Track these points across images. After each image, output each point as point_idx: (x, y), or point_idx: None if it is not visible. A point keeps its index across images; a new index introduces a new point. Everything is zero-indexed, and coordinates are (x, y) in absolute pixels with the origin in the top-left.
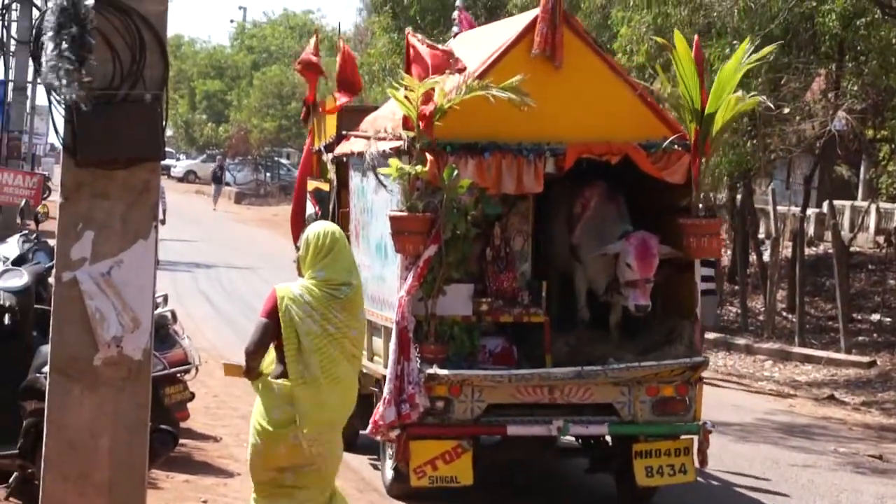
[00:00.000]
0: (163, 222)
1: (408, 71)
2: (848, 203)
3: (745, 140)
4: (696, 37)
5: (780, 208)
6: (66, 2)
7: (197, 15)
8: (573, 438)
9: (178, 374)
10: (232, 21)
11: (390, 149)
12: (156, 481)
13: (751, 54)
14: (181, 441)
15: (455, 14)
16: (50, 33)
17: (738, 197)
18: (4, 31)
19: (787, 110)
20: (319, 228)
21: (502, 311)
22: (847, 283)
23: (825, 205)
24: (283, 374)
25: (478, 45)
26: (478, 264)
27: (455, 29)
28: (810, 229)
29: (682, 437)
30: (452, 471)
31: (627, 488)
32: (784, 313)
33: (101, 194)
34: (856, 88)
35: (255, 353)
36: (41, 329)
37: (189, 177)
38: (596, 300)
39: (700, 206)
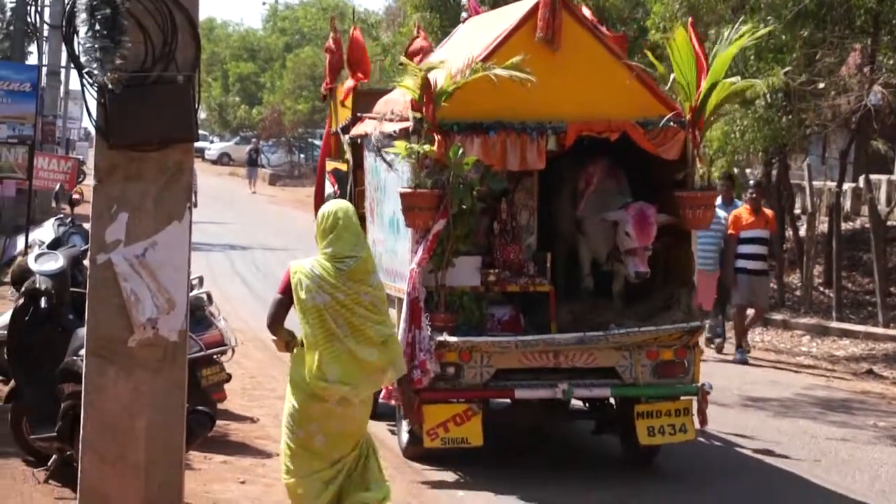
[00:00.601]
0: (195, 205)
1: (408, 55)
2: (884, 177)
3: (780, 116)
4: (689, 20)
5: (815, 183)
6: None
7: None
8: (581, 403)
9: (215, 356)
10: (264, 3)
11: (400, 129)
12: (193, 462)
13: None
14: (218, 422)
15: (464, 0)
16: (83, 16)
17: (774, 173)
18: (37, 15)
19: (822, 85)
20: (325, 209)
21: (509, 281)
22: (884, 258)
23: (861, 179)
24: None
25: (484, 29)
26: (486, 237)
27: (464, 14)
28: (846, 204)
29: (682, 398)
30: (463, 432)
31: (631, 448)
32: (821, 288)
33: (134, 176)
34: (891, 62)
35: (271, 326)
36: (77, 312)
37: (223, 159)
38: (600, 270)
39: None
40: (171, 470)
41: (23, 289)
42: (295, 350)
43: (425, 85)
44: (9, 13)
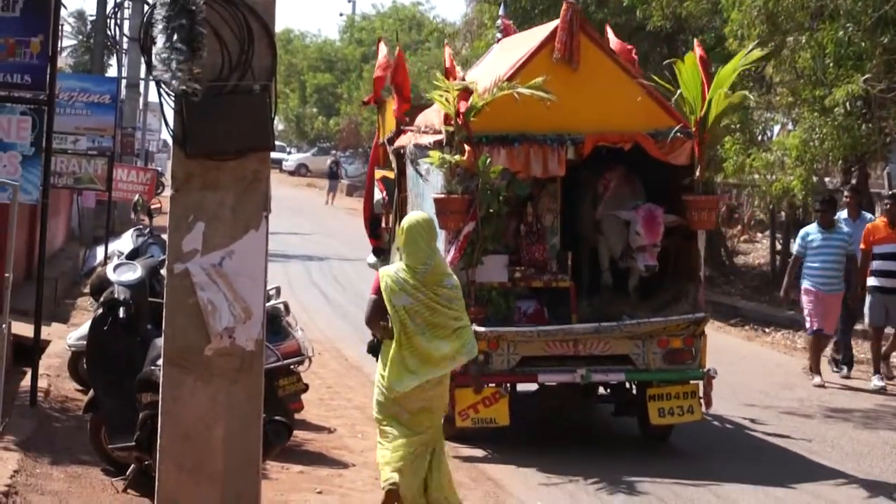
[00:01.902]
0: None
1: (446, 76)
2: None
3: (860, 124)
4: (696, 40)
5: None
6: None
7: (306, 9)
8: (602, 388)
9: (292, 366)
10: (341, 14)
11: (434, 141)
12: (270, 472)
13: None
14: (295, 432)
15: (498, 22)
16: (160, 26)
17: (853, 181)
18: (117, 28)
19: None
20: (403, 223)
21: (534, 277)
22: None
23: None
24: None
25: (511, 50)
26: (513, 238)
27: (498, 35)
28: None
29: (690, 382)
30: (491, 413)
31: (647, 428)
32: None
33: (211, 185)
34: None
35: (369, 321)
36: (156, 322)
37: (300, 170)
38: (618, 268)
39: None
40: (248, 479)
41: (102, 299)
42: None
43: (457, 102)
44: (89, 26)
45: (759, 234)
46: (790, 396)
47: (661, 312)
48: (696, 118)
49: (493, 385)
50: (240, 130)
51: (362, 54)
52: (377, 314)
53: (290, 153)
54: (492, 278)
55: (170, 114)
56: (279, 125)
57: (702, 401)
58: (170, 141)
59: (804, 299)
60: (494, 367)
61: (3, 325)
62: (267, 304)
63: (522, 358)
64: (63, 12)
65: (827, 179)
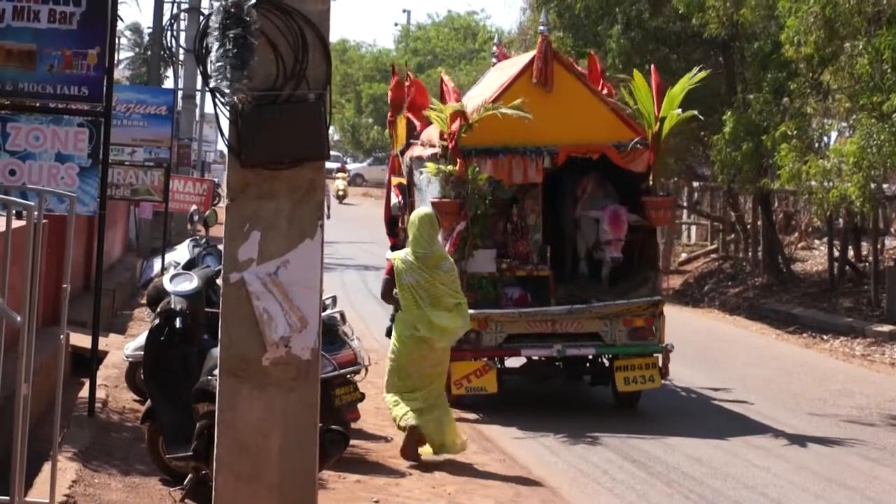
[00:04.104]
0: (327, 217)
1: (441, 99)
2: None
3: None
4: (652, 66)
5: None
6: (229, 4)
7: (362, 19)
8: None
9: (348, 375)
10: (396, 24)
11: (432, 154)
12: (327, 482)
13: None
14: (352, 442)
15: (494, 49)
16: (214, 36)
17: None
18: (173, 40)
19: None
20: (411, 216)
21: (518, 268)
22: None
23: None
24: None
25: (499, 74)
26: (501, 234)
27: (494, 60)
28: None
29: (652, 355)
30: (482, 383)
31: (617, 395)
32: None
33: (266, 194)
34: None
35: (384, 296)
36: (212, 332)
37: (356, 180)
38: (593, 258)
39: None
40: (305, 489)
41: (158, 310)
42: (398, 312)
43: (452, 119)
44: (145, 38)
45: (817, 241)
46: (849, 404)
47: (625, 296)
48: (652, 132)
49: (484, 359)
50: (294, 140)
51: (417, 64)
52: (389, 289)
53: (345, 163)
54: (482, 269)
55: (225, 124)
56: (334, 135)
57: (661, 371)
58: (225, 151)
59: None
60: (484, 344)
61: (62, 336)
62: (323, 314)
63: (508, 336)
64: (119, 25)
65: (885, 186)
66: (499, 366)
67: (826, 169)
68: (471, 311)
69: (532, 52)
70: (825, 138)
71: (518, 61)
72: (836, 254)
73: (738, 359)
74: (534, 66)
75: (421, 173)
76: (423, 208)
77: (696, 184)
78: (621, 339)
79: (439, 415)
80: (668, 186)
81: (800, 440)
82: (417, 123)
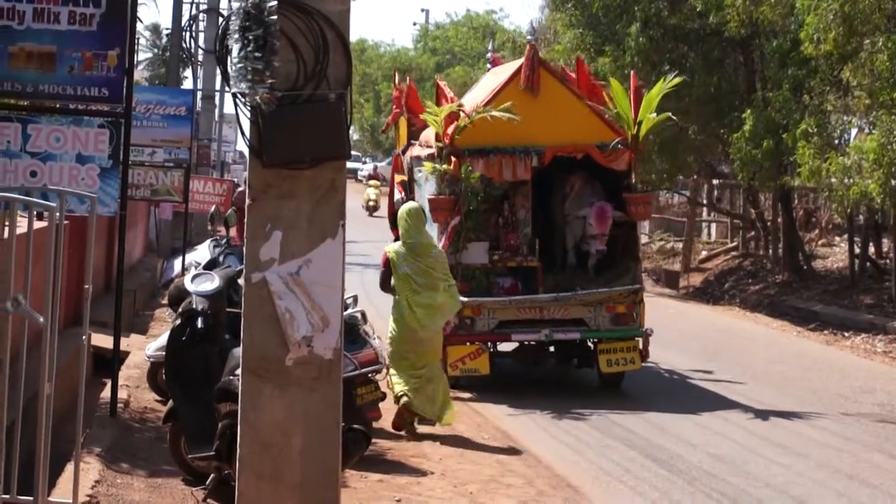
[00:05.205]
0: None
1: (437, 102)
2: None
3: None
4: (632, 73)
5: None
6: (249, 5)
7: (380, 19)
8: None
9: (370, 374)
10: (415, 24)
11: (428, 154)
12: (349, 481)
13: None
14: (374, 441)
15: (489, 55)
16: (234, 37)
17: None
18: (192, 41)
19: None
20: (400, 210)
21: (509, 259)
22: None
23: None
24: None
25: (491, 79)
26: (493, 228)
27: (489, 66)
28: None
29: (633, 339)
30: (476, 365)
31: (601, 377)
32: None
33: (287, 194)
34: None
35: (382, 286)
36: (234, 332)
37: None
38: (581, 251)
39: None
40: (328, 488)
41: (180, 310)
42: (395, 297)
43: (448, 122)
44: (164, 39)
45: (837, 238)
46: (871, 401)
47: (608, 285)
48: (631, 133)
49: (477, 343)
50: (315, 140)
51: (436, 63)
52: (387, 279)
53: (364, 162)
54: (475, 260)
55: (246, 124)
56: (354, 134)
57: (641, 353)
58: (246, 151)
59: None
60: (478, 329)
61: (83, 337)
62: (344, 313)
63: (500, 322)
64: (139, 26)
65: None
66: (491, 349)
67: (846, 166)
68: (465, 299)
69: (520, 60)
70: (845, 135)
71: (508, 68)
72: (857, 250)
73: (759, 356)
74: (522, 73)
75: (419, 172)
76: (409, 203)
77: (716, 181)
78: (604, 324)
79: (433, 389)
80: (652, 183)
81: (821, 437)
82: (409, 126)
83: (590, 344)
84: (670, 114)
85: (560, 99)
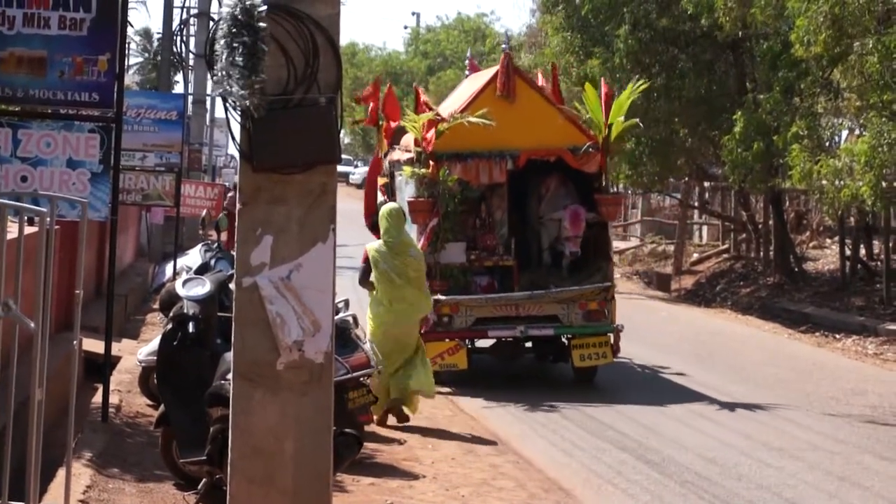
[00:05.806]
0: None
1: (416, 110)
2: None
3: None
4: (602, 79)
5: None
6: (238, 11)
7: (371, 23)
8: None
9: (361, 378)
10: (406, 27)
11: (407, 158)
12: (341, 485)
13: None
14: (365, 444)
15: (466, 61)
16: (225, 40)
17: None
18: (183, 45)
19: None
20: (381, 210)
21: (486, 258)
22: None
23: None
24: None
25: (468, 86)
26: (470, 229)
27: (467, 72)
28: None
29: (605, 335)
30: (454, 360)
31: (575, 371)
32: None
33: (278, 199)
34: None
35: (361, 282)
36: (225, 337)
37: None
38: (556, 250)
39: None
40: (319, 492)
41: (171, 314)
42: (373, 292)
43: (427, 128)
44: (155, 43)
45: (828, 240)
46: (862, 402)
47: (581, 283)
48: (602, 137)
49: (456, 339)
50: (306, 144)
51: (428, 66)
52: (366, 276)
53: (356, 166)
54: (453, 260)
55: (236, 129)
56: (345, 138)
57: (613, 348)
58: (237, 156)
59: None
60: (456, 326)
61: (74, 342)
62: (335, 317)
63: (477, 319)
64: (129, 30)
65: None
66: (469, 345)
67: (837, 168)
68: (443, 297)
69: (495, 68)
70: (836, 137)
71: (484, 75)
72: (848, 252)
73: (750, 358)
74: (497, 80)
75: (399, 175)
76: (390, 203)
77: (707, 184)
78: (577, 320)
79: (406, 374)
80: (616, 183)
81: (813, 439)
82: (379, 131)
83: (564, 340)
84: (637, 120)
85: (534, 105)
